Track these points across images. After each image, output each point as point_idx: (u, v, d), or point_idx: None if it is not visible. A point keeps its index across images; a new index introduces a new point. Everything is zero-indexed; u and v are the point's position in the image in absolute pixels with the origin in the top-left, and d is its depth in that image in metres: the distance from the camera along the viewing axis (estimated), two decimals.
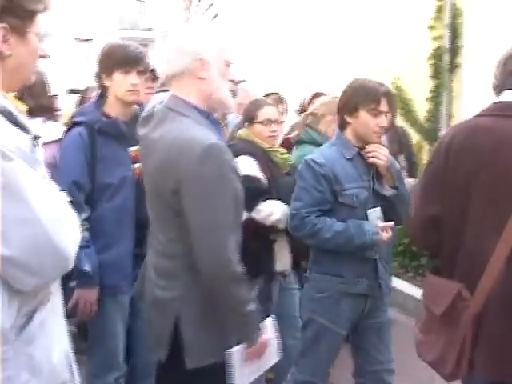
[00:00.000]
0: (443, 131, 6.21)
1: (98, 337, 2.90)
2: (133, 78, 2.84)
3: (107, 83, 2.87)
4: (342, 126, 3.01)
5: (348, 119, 2.95)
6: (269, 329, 2.31)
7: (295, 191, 2.98)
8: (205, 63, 2.14)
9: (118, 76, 2.84)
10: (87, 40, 28.36)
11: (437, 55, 7.26)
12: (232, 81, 2.32)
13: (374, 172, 2.95)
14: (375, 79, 2.97)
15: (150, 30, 30.49)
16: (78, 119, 2.87)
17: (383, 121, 2.89)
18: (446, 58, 7.19)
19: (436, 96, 7.26)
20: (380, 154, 2.91)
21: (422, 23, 7.41)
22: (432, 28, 7.35)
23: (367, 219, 2.87)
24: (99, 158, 2.80)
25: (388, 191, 2.95)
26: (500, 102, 2.21)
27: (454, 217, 2.21)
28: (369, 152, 2.93)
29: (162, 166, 2.07)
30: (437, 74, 7.26)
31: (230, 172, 2.08)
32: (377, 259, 2.92)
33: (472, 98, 6.60)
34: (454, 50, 7.16)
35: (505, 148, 2.10)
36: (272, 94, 4.77)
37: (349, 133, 2.98)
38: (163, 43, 2.29)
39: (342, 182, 2.87)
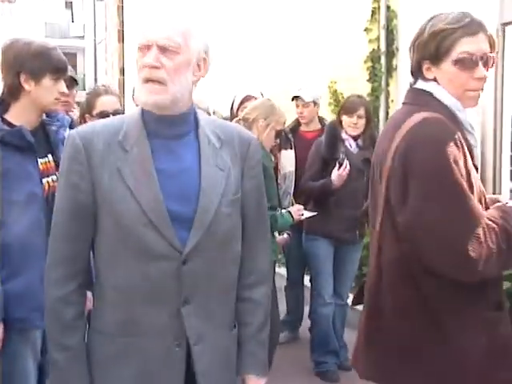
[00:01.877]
0: None
1: (3, 379, 2.50)
2: (62, 86, 2.57)
3: (27, 87, 2.50)
4: None
5: None
6: None
7: None
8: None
9: (47, 82, 2.49)
10: None
11: (373, 58, 7.14)
12: (147, 66, 1.71)
13: None
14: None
15: (82, 37, 29.73)
16: None
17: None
18: (383, 60, 7.07)
19: (373, 100, 7.12)
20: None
21: (358, 26, 7.29)
22: (368, 30, 7.23)
23: None
24: (1, 172, 2.43)
25: None
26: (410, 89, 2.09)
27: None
28: None
29: None
30: (373, 77, 7.13)
31: (68, 170, 1.76)
32: None
33: None
34: (390, 53, 7.05)
35: (380, 140, 2.01)
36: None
37: None
38: None
39: None
